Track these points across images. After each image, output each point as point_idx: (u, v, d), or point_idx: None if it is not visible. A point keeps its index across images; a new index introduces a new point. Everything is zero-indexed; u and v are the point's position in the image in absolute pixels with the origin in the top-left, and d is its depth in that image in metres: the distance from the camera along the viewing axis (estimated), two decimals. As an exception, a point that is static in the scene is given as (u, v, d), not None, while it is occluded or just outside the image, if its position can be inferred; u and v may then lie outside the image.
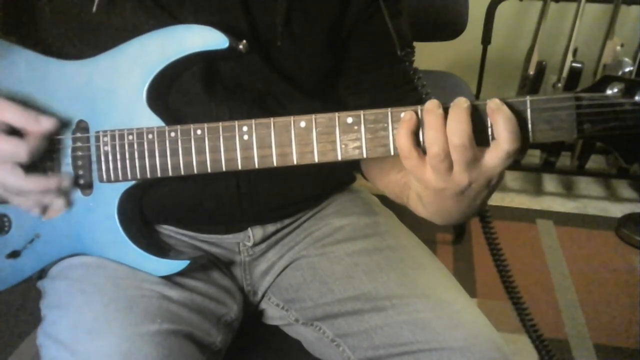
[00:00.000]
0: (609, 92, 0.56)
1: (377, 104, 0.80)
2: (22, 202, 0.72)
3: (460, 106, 0.57)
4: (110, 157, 0.70)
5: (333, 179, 0.92)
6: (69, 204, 0.73)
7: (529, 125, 0.58)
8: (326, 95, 0.84)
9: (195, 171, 0.67)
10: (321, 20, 0.78)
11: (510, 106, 0.57)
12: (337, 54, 0.81)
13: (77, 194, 0.73)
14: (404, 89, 0.82)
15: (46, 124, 0.68)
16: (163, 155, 0.68)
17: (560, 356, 0.75)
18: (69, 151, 0.72)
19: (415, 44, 0.83)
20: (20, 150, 0.66)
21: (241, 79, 0.76)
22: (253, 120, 0.65)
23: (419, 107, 0.60)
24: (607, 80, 0.56)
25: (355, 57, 0.82)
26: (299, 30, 0.76)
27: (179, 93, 0.73)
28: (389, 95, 0.82)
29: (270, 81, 0.77)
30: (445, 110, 0.58)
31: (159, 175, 0.69)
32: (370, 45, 0.82)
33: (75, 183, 0.72)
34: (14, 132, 0.67)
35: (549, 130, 0.57)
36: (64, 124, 0.72)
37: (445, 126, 0.57)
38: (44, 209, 0.73)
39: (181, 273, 0.75)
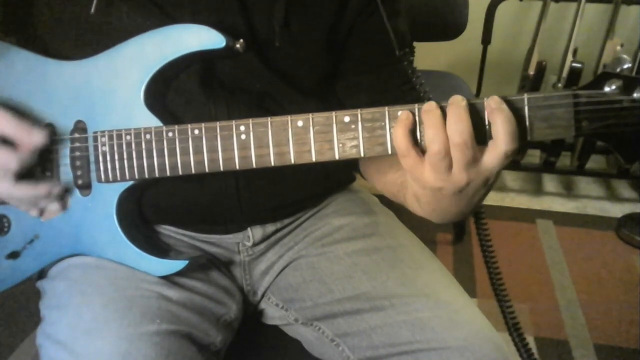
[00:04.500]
0: (607, 89, 0.55)
1: (375, 105, 0.80)
2: (16, 204, 0.73)
3: (459, 104, 0.57)
4: (108, 157, 0.70)
5: (332, 179, 0.92)
6: (64, 207, 0.74)
7: (527, 123, 0.57)
8: (325, 96, 0.84)
9: (193, 171, 0.67)
10: (319, 21, 0.78)
11: (509, 104, 0.57)
12: (336, 55, 0.81)
13: (76, 194, 0.73)
14: (402, 89, 0.82)
15: (37, 138, 0.69)
16: (161, 155, 0.68)
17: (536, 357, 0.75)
18: (67, 151, 0.72)
19: (415, 44, 0.83)
20: (10, 161, 0.68)
21: (239, 80, 0.76)
22: (250, 120, 0.65)
23: (416, 105, 0.60)
24: (605, 77, 0.56)
25: (352, 57, 0.82)
26: (297, 31, 0.76)
27: (177, 93, 0.74)
28: (387, 96, 0.82)
29: (268, 82, 0.77)
30: (443, 109, 0.58)
31: (157, 175, 0.69)
32: (368, 45, 0.81)
33: (74, 183, 0.73)
34: (7, 141, 0.69)
35: (546, 128, 0.57)
36: (62, 124, 0.72)
37: (444, 125, 0.57)
38: (41, 211, 0.74)
39: (180, 273, 0.75)
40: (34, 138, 0.69)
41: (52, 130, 0.72)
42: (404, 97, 0.82)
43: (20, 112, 0.72)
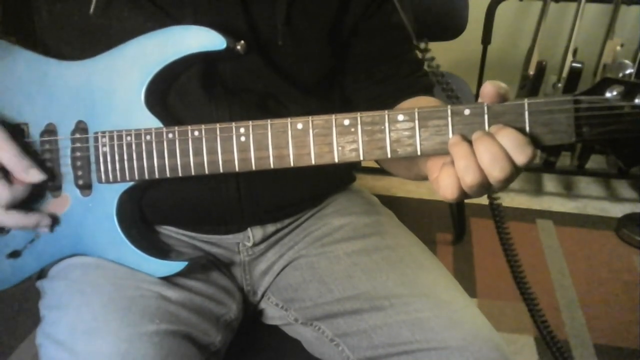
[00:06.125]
0: (608, 94, 0.55)
1: (388, 95, 0.80)
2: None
3: (485, 137, 0.56)
4: (108, 158, 0.70)
5: (333, 179, 0.92)
6: (51, 231, 0.74)
7: (527, 128, 0.57)
8: (327, 94, 0.85)
9: (193, 172, 0.67)
10: (322, 18, 0.78)
11: (509, 108, 0.57)
12: (338, 52, 0.82)
13: (77, 195, 0.73)
14: (415, 75, 0.83)
15: (33, 178, 0.70)
16: (161, 156, 0.68)
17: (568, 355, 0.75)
18: (68, 152, 0.72)
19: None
20: (3, 194, 0.69)
21: (242, 80, 0.76)
22: (250, 122, 0.65)
23: (415, 109, 0.60)
24: (606, 82, 0.55)
25: (362, 53, 0.83)
26: (300, 29, 0.76)
27: (179, 94, 0.73)
28: (399, 85, 0.82)
29: (271, 81, 0.77)
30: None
31: (157, 176, 0.69)
32: (378, 40, 0.82)
33: (75, 183, 0.73)
34: (4, 169, 0.69)
35: (546, 134, 0.57)
36: (63, 124, 0.72)
37: (474, 154, 0.57)
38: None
39: (180, 273, 0.75)
40: (30, 177, 0.70)
41: (53, 130, 0.72)
42: (416, 84, 0.82)
43: (21, 113, 0.73)
